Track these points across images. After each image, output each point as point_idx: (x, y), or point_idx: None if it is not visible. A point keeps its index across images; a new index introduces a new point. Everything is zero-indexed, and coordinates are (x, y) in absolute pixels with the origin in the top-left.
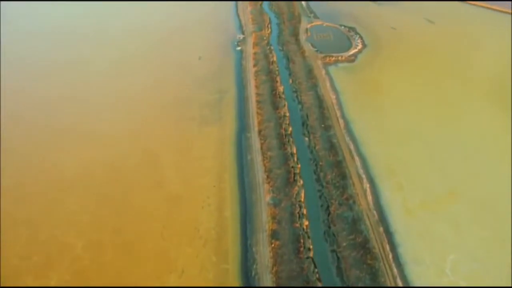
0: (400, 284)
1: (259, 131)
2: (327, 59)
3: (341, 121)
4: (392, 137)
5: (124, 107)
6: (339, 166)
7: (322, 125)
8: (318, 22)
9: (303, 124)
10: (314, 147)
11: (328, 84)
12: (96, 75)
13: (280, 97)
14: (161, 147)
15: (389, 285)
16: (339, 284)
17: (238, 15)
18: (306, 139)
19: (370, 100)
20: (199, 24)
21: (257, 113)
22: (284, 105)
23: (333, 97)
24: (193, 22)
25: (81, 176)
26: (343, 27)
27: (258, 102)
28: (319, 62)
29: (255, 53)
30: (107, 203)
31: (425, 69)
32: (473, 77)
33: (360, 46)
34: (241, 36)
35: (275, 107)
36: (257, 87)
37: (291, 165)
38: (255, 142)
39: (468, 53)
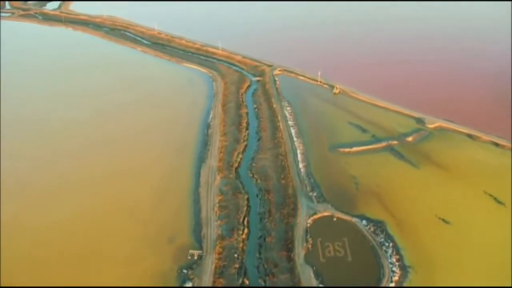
0: None
1: None
2: None
3: None
4: None
5: None
6: None
7: None
8: (325, 213)
9: None
10: None
11: None
12: None
13: None
14: None
15: None
16: None
17: (198, 196)
18: None
19: None
20: (133, 226)
21: None
22: None
23: None
24: (121, 220)
25: None
26: (365, 221)
27: None
28: None
29: None
30: None
31: None
32: None
33: (398, 273)
34: (196, 253)
35: None
36: None
37: None
38: None
39: None
